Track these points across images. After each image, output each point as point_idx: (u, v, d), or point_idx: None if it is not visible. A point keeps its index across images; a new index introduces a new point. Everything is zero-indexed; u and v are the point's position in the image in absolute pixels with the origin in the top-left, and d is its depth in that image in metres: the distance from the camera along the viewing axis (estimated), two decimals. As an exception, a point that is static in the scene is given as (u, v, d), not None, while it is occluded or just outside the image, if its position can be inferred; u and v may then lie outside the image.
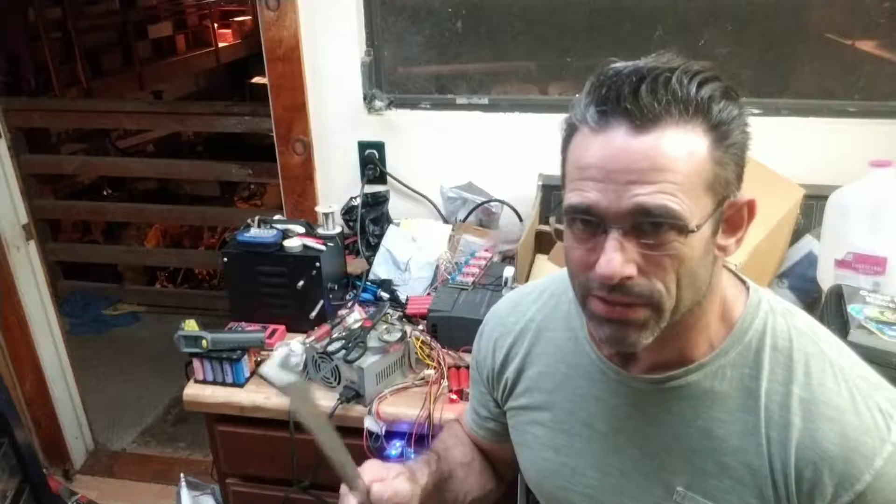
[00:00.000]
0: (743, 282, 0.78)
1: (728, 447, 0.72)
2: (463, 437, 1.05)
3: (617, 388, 0.79)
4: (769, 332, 0.73)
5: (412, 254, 1.59)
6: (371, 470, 0.83)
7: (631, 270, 0.64)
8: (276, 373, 0.62)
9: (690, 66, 0.65)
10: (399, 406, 1.23)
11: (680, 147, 0.63)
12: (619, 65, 0.66)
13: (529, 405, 0.88)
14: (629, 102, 0.62)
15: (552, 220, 0.74)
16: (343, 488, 0.82)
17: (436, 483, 0.90)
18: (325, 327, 1.35)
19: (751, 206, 0.70)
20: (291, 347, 1.34)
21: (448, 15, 1.69)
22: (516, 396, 0.90)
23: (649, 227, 0.63)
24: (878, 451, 0.66)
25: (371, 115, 1.76)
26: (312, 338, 1.32)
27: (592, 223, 0.66)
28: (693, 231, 0.63)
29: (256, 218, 1.48)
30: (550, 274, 0.96)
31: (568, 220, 0.69)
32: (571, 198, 0.67)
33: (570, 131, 0.69)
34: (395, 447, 1.22)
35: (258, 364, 1.36)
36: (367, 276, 1.59)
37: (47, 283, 2.29)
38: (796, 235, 1.46)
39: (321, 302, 1.42)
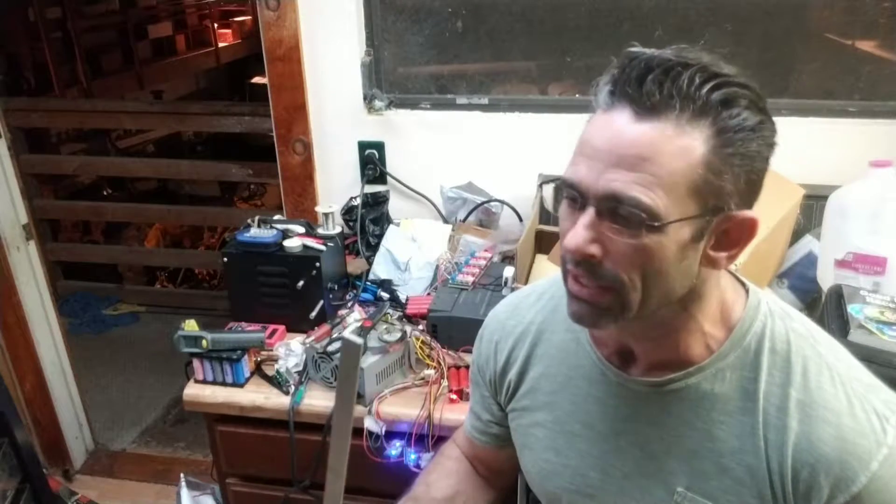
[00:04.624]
0: (742, 284, 0.78)
1: (727, 448, 0.72)
2: (450, 467, 1.02)
3: (617, 390, 0.79)
4: (768, 334, 0.73)
5: (412, 254, 1.59)
6: None
7: (594, 250, 0.65)
8: (348, 334, 0.64)
9: (711, 66, 0.63)
10: (399, 406, 1.23)
11: (673, 143, 0.62)
12: (645, 51, 0.65)
13: (531, 406, 0.88)
14: (631, 87, 0.63)
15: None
16: None
17: None
18: (325, 327, 1.35)
19: (751, 225, 0.66)
20: (291, 347, 1.34)
21: (448, 15, 1.69)
22: (519, 398, 0.90)
23: (618, 213, 0.64)
24: (873, 453, 0.66)
25: (371, 115, 1.76)
26: (312, 338, 1.32)
27: (576, 198, 0.67)
28: (656, 227, 0.62)
29: (256, 218, 1.48)
30: (548, 276, 0.96)
31: (564, 193, 0.70)
32: (566, 170, 0.68)
33: (593, 112, 0.70)
34: (395, 447, 1.22)
35: (258, 364, 1.36)
36: (367, 276, 1.59)
37: (47, 283, 2.29)
38: (796, 235, 1.46)
39: (321, 302, 1.42)
